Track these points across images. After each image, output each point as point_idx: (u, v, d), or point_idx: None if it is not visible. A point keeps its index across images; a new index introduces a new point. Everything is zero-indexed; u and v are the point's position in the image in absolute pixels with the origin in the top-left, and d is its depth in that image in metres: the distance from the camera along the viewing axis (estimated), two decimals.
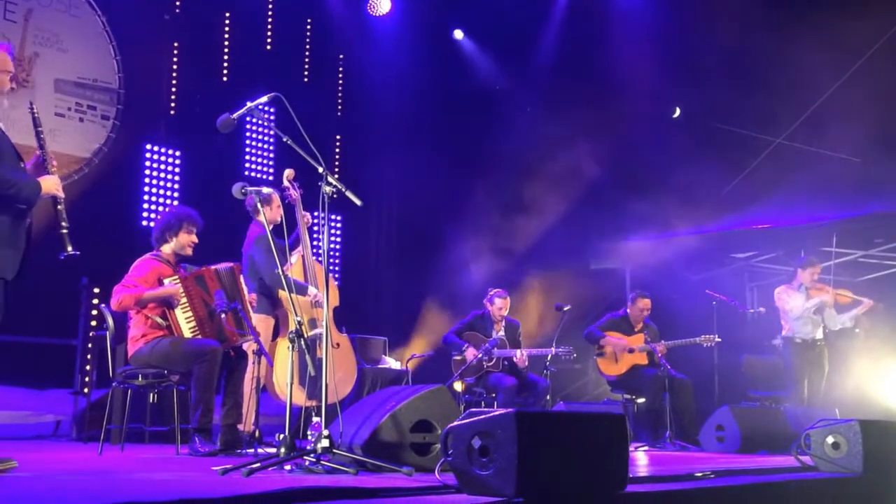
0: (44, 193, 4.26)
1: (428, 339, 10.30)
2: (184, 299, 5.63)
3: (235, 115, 4.50)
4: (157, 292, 5.60)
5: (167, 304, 5.62)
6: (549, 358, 7.98)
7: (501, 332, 8.17)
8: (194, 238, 5.85)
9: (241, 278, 5.90)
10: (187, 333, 5.61)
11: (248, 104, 4.61)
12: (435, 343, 9.66)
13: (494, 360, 7.98)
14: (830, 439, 4.66)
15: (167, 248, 5.84)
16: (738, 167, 11.08)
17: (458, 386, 7.88)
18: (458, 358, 8.03)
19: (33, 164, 4.44)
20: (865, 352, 9.49)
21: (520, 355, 7.92)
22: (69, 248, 4.28)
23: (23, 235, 4.23)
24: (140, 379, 5.55)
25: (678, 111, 11.72)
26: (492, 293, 8.25)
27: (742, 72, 10.17)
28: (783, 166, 10.35)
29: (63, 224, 4.31)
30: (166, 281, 5.64)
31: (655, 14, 10.87)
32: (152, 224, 8.35)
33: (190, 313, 5.65)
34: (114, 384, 5.74)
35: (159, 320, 5.62)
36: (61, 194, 4.34)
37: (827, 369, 8.67)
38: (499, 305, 8.19)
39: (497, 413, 3.20)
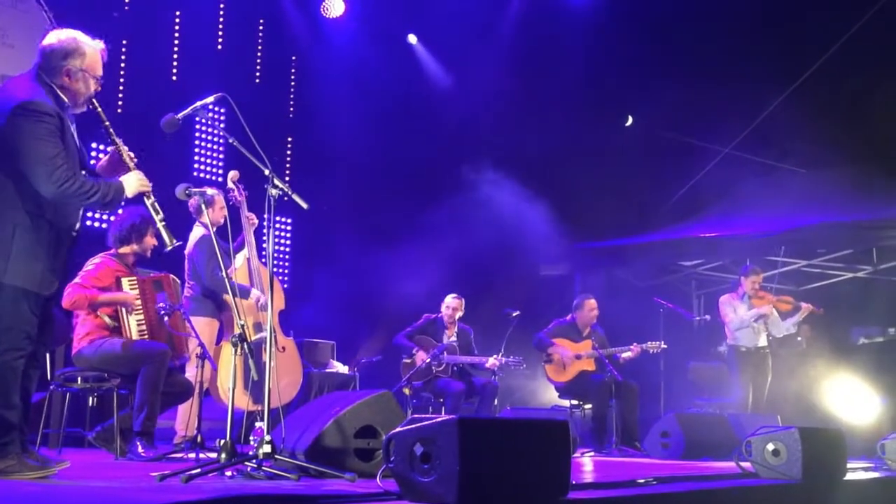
0: (130, 194, 3.98)
1: (376, 344, 10.25)
2: (138, 302, 5.54)
3: (180, 115, 4.43)
4: (113, 297, 5.49)
5: (123, 306, 5.52)
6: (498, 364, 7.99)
7: (454, 338, 8.18)
8: (155, 241, 5.76)
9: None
10: (135, 336, 5.53)
11: (195, 104, 4.54)
12: (383, 348, 9.62)
13: (444, 365, 7.97)
14: (771, 446, 4.73)
15: (128, 249, 5.71)
16: (687, 176, 11.23)
17: (406, 390, 7.86)
18: (408, 361, 8.00)
19: (108, 161, 4.17)
20: (806, 360, 9.68)
21: (492, 362, 7.93)
22: (173, 241, 4.08)
23: (66, 246, 3.92)
24: (79, 382, 5.45)
25: (630, 120, 11.83)
26: (447, 297, 8.29)
27: (692, 81, 10.29)
28: (730, 176, 10.50)
29: (158, 218, 4.07)
30: (125, 280, 5.54)
31: (608, 24, 10.96)
32: (97, 224, 8.25)
33: (142, 316, 5.57)
34: (52, 387, 5.61)
35: (108, 320, 5.51)
36: (149, 188, 4.09)
37: (770, 377, 8.80)
38: (453, 306, 8.22)
39: (439, 419, 3.17)
